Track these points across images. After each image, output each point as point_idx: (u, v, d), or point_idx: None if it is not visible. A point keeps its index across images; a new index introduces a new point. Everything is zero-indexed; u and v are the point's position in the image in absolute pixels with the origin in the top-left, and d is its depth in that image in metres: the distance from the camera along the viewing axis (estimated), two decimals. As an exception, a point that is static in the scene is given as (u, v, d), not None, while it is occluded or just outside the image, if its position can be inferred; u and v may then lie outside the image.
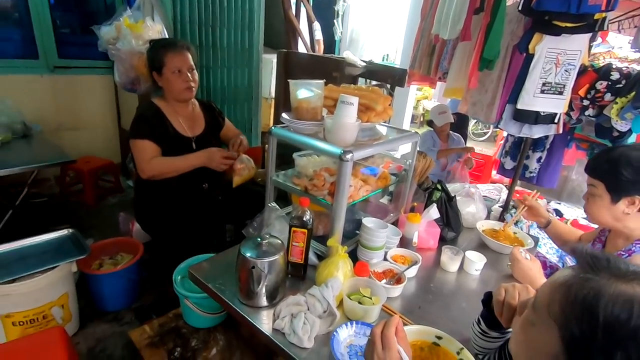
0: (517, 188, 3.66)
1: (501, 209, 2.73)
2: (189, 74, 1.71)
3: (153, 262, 2.26)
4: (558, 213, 3.23)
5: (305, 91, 1.26)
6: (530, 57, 1.93)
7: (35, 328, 1.61)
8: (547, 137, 2.80)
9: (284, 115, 1.32)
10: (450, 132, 3.11)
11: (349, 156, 1.11)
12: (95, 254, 2.00)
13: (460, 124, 3.71)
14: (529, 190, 3.55)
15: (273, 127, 1.33)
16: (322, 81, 1.28)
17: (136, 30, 1.81)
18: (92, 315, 1.92)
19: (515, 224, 2.46)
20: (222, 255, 1.33)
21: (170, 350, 1.36)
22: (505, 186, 3.54)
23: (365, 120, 1.34)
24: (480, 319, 0.93)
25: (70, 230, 1.88)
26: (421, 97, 8.17)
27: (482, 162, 4.66)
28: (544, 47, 1.89)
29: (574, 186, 3.85)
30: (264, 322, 1.05)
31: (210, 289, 1.16)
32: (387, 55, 6.99)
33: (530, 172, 2.96)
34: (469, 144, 5.50)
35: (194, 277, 1.21)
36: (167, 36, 1.98)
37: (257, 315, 1.07)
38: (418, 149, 1.61)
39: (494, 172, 4.32)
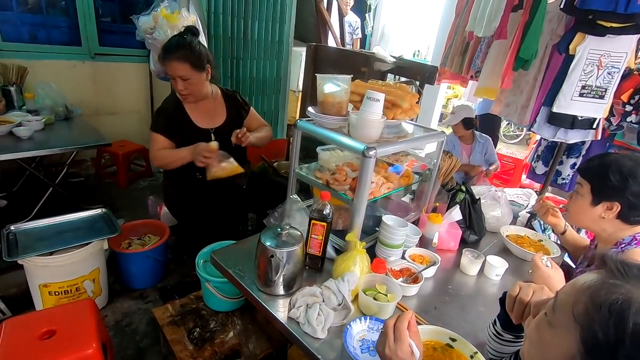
0: (548, 195, 3.51)
1: (529, 214, 2.64)
2: (180, 83, 1.68)
3: (178, 246, 2.36)
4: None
5: (332, 85, 1.26)
6: (570, 58, 1.84)
7: (69, 298, 1.73)
8: (583, 142, 2.67)
9: (309, 109, 1.33)
10: (477, 132, 3.00)
11: (372, 152, 1.11)
12: (125, 233, 2.11)
13: (491, 125, 3.58)
14: (560, 198, 3.40)
15: (298, 120, 1.35)
16: (349, 76, 1.28)
17: (172, 21, 1.86)
18: (120, 291, 2.03)
19: (544, 231, 2.38)
20: (243, 243, 1.37)
21: (190, 329, 1.42)
22: (535, 192, 3.41)
23: (391, 117, 1.34)
24: (497, 320, 0.91)
25: (104, 210, 1.99)
26: (451, 96, 7.95)
27: (512, 165, 4.51)
28: (586, 48, 1.79)
29: (610, 195, 3.65)
30: (280, 310, 1.07)
31: (230, 274, 1.21)
32: (419, 51, 6.84)
33: (563, 179, 2.84)
34: (500, 146, 5.33)
35: (216, 262, 1.25)
36: (200, 27, 2.03)
37: (273, 303, 1.10)
38: (443, 148, 1.58)
39: (523, 177, 4.16)
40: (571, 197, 1.30)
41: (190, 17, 1.95)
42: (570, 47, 1.82)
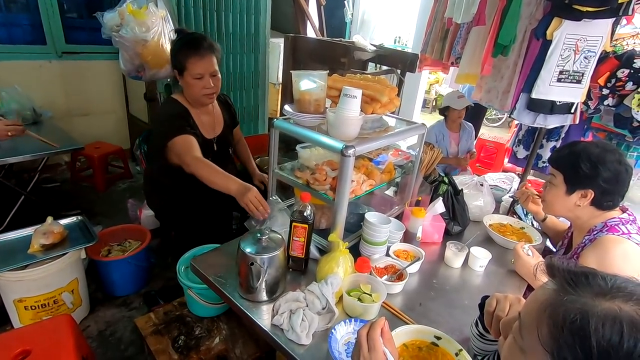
0: (529, 178, 3.57)
1: (511, 199, 2.67)
2: (210, 80, 1.61)
3: (162, 249, 2.31)
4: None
5: (308, 82, 1.22)
6: (547, 44, 1.84)
7: (47, 312, 1.66)
8: (562, 126, 2.70)
9: (286, 107, 1.29)
10: (463, 121, 3.01)
11: (350, 151, 1.08)
12: (104, 240, 2.04)
13: (477, 111, 3.59)
14: (542, 180, 3.46)
15: (275, 120, 1.31)
16: (325, 72, 1.25)
17: (139, 17, 1.77)
18: (103, 300, 1.98)
19: (526, 214, 2.42)
20: (223, 248, 1.34)
21: (174, 338, 1.39)
22: (517, 175, 3.46)
23: (370, 112, 1.31)
24: (478, 321, 0.91)
25: (79, 218, 1.91)
26: (433, 82, 7.96)
27: (494, 149, 4.56)
28: (563, 32, 1.79)
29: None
30: (263, 317, 1.05)
31: (211, 282, 1.17)
32: (399, 37, 6.79)
33: (544, 162, 2.88)
34: (482, 130, 5.36)
35: (196, 269, 1.22)
36: (170, 21, 1.94)
37: (256, 309, 1.08)
38: (427, 139, 1.57)
39: (505, 161, 4.22)
40: (545, 188, 1.32)
41: (159, 12, 1.86)
42: (548, 32, 1.82)
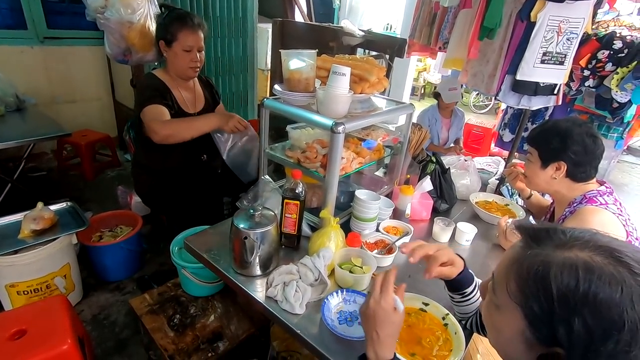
0: (516, 161, 3.65)
1: (497, 181, 2.74)
2: (197, 55, 1.69)
3: (153, 234, 2.31)
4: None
5: (297, 61, 1.23)
6: (531, 26, 1.87)
7: (40, 297, 1.67)
8: (546, 108, 2.76)
9: (276, 86, 1.30)
10: (456, 107, 3.04)
11: (340, 128, 1.10)
12: (95, 226, 2.04)
13: None
14: (527, 163, 3.55)
15: (265, 99, 1.32)
16: (314, 51, 1.25)
17: (124, -2, 1.74)
18: (96, 285, 1.98)
19: (511, 195, 2.49)
20: (216, 227, 1.36)
21: (170, 317, 1.41)
22: (504, 159, 3.54)
23: (359, 92, 1.32)
24: (445, 285, 0.96)
25: (69, 204, 1.90)
26: (421, 69, 7.99)
27: (481, 134, 4.64)
28: (546, 14, 1.83)
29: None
30: (258, 291, 1.08)
31: (205, 259, 1.19)
32: (390, 25, 6.77)
33: (529, 145, 2.94)
34: (469, 116, 5.43)
35: (190, 248, 1.24)
36: (156, 4, 1.91)
37: (251, 284, 1.10)
38: (415, 121, 1.60)
39: (492, 145, 4.30)
40: (524, 166, 1.40)
41: (144, -6, 1.83)
42: (532, 14, 1.85)
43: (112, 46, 1.92)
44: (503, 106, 3.65)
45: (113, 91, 3.37)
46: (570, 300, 0.44)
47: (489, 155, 4.13)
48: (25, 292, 1.63)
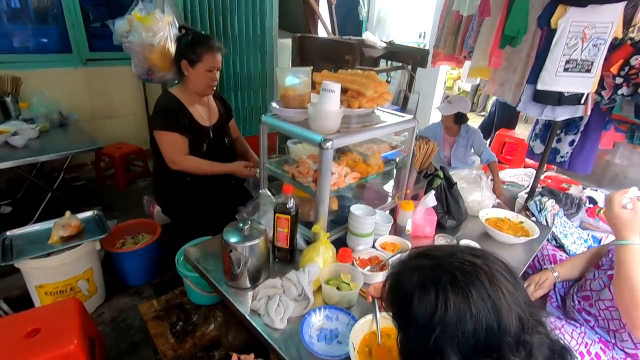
0: (550, 174, 3.42)
1: (526, 195, 2.58)
2: (216, 74, 1.83)
3: (172, 243, 2.42)
4: (592, 200, 3.00)
5: (292, 78, 1.26)
6: (552, 33, 1.78)
7: (65, 297, 1.80)
8: (581, 118, 2.57)
9: (272, 103, 1.33)
10: (465, 127, 2.79)
11: (328, 144, 1.11)
12: (119, 233, 2.18)
13: (510, 110, 3.32)
14: (563, 176, 3.31)
15: (263, 116, 1.36)
16: (309, 68, 1.28)
17: (146, 23, 1.88)
18: (117, 289, 2.11)
19: (540, 211, 2.33)
20: (216, 238, 1.40)
21: (172, 323, 1.47)
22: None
23: (357, 107, 1.33)
24: None
25: (96, 212, 2.05)
26: (456, 77, 7.77)
27: (515, 145, 4.40)
28: (568, 20, 1.73)
29: (617, 172, 3.51)
30: (244, 303, 1.10)
31: (200, 270, 1.24)
32: (424, 32, 6.66)
33: (562, 157, 2.75)
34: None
35: (188, 258, 1.29)
36: (177, 26, 2.04)
37: (238, 296, 1.13)
38: (420, 134, 1.56)
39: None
40: None
41: (165, 18, 1.97)
42: (552, 20, 1.76)
43: (136, 67, 2.07)
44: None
45: (147, 106, 3.62)
46: (407, 298, 0.63)
47: (524, 167, 3.91)
48: (52, 293, 1.77)
